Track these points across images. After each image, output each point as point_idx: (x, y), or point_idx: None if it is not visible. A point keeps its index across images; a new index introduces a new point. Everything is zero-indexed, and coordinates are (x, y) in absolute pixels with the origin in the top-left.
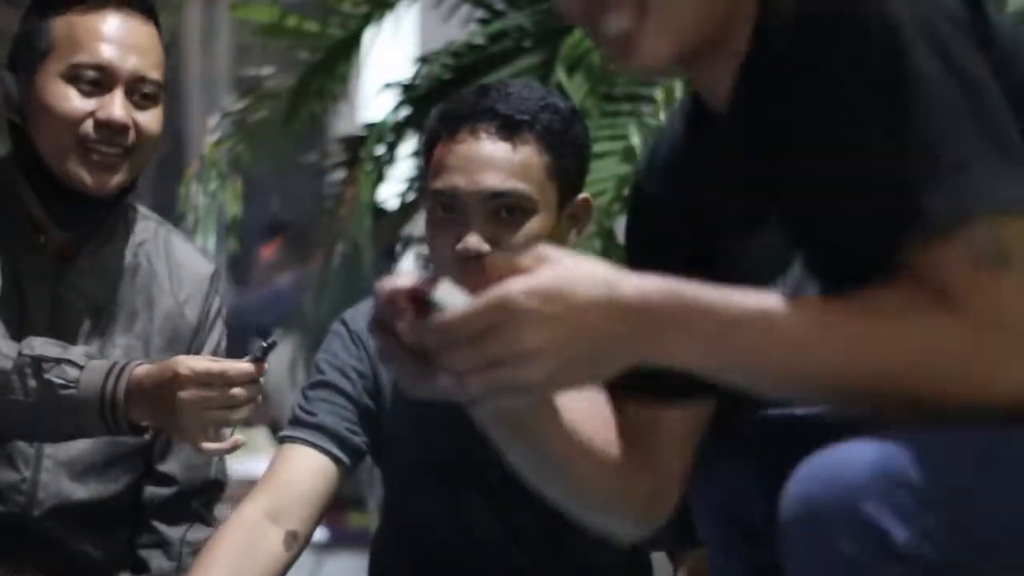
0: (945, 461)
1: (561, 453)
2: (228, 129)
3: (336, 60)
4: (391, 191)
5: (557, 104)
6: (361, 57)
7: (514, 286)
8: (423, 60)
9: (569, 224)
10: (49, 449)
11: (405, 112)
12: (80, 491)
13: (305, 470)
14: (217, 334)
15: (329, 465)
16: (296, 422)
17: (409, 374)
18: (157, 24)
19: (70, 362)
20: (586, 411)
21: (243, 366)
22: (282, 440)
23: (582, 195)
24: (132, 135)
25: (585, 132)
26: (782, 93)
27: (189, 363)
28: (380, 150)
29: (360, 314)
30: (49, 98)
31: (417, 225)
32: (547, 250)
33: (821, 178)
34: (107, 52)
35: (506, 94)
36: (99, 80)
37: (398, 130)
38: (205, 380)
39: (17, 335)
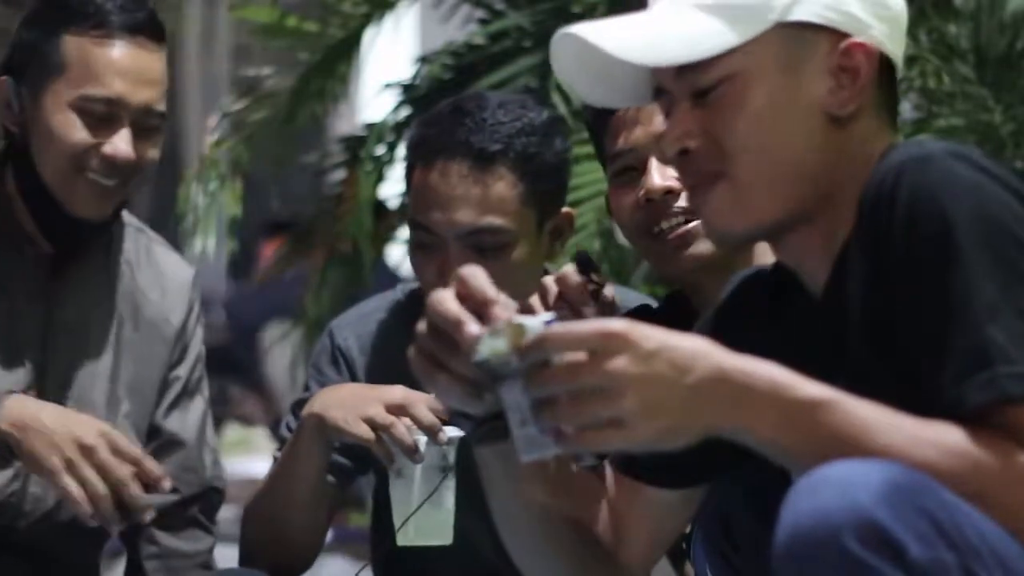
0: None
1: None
2: (228, 129)
3: (336, 60)
4: (391, 191)
5: (533, 122)
6: (361, 57)
7: (619, 322)
8: (423, 60)
9: (552, 239)
10: None
11: (405, 112)
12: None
13: None
14: (199, 340)
15: None
16: (284, 442)
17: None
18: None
19: None
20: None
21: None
22: (274, 459)
23: (564, 210)
24: (131, 169)
25: (565, 143)
26: (863, 277)
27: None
28: (380, 150)
29: (347, 324)
30: (55, 125)
31: None
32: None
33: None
34: (119, 87)
35: (480, 120)
36: (108, 113)
37: (398, 130)
38: None
39: (7, 349)
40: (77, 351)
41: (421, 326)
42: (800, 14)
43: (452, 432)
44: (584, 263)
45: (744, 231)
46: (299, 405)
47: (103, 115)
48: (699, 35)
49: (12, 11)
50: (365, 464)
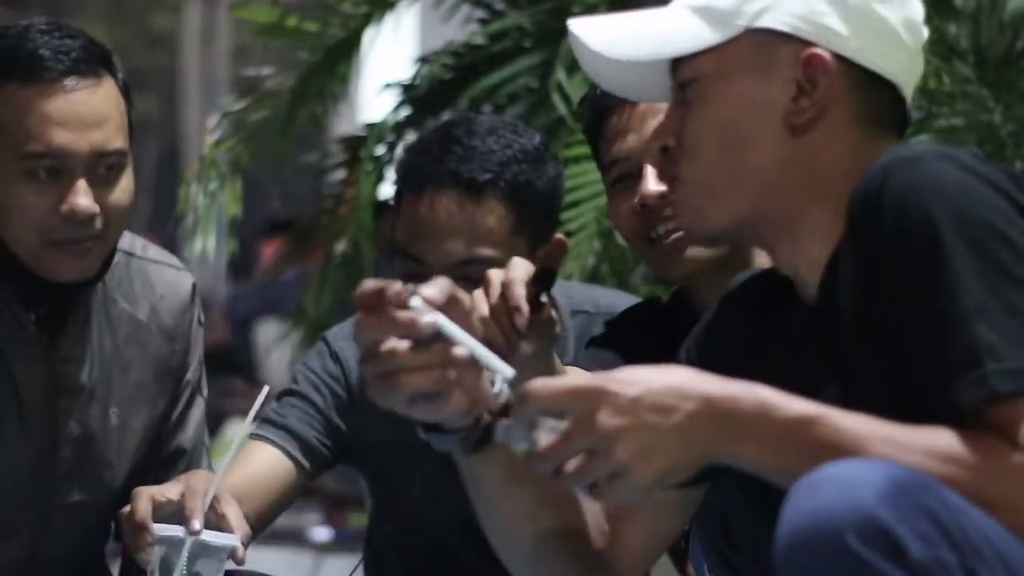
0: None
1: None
2: (228, 129)
3: (336, 60)
4: (391, 191)
5: (525, 148)
6: (361, 57)
7: (595, 379)
8: (423, 60)
9: (545, 266)
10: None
11: (405, 112)
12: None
13: (266, 467)
14: (200, 345)
15: (290, 466)
16: (266, 422)
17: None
18: (113, 72)
19: None
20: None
21: None
22: (251, 437)
23: (557, 236)
24: (100, 219)
25: (557, 167)
26: (855, 280)
27: None
28: (380, 150)
29: (343, 332)
30: (6, 198)
31: None
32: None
33: (882, 361)
34: (60, 137)
35: (470, 147)
36: (57, 168)
37: (398, 130)
38: None
39: (13, 418)
40: (86, 411)
41: (360, 359)
42: (769, 21)
43: (163, 531)
44: (540, 278)
45: (703, 233)
46: (286, 393)
47: (53, 171)
48: (673, 34)
49: (13, 12)
50: (340, 456)
